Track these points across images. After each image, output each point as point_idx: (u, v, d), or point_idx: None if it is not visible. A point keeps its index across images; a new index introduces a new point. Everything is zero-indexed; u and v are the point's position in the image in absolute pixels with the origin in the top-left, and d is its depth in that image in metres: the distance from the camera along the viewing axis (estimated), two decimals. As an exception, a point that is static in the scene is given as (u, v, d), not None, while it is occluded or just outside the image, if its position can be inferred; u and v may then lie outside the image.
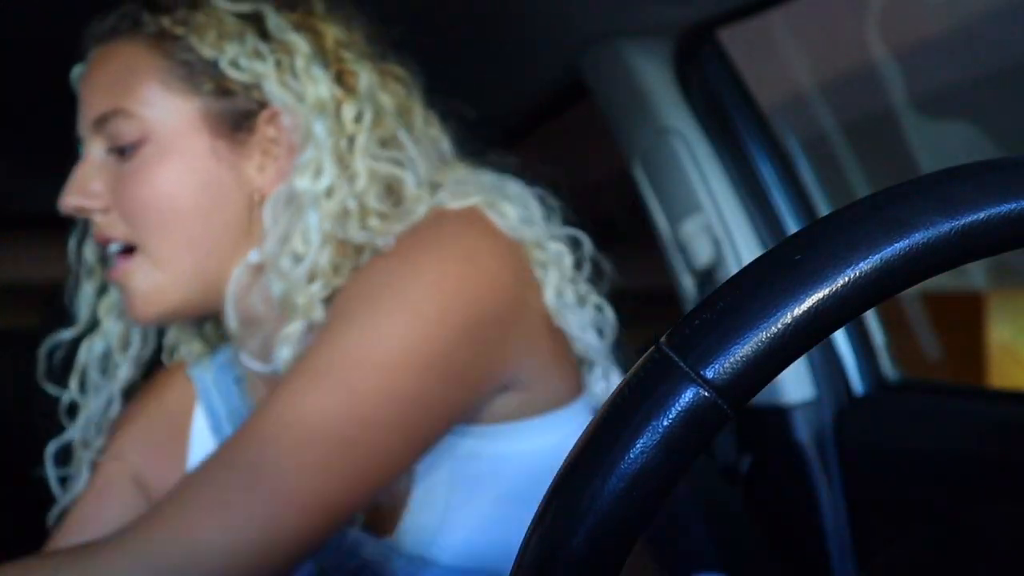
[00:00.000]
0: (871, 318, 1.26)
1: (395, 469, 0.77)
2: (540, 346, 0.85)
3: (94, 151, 0.85)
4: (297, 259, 0.82)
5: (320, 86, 0.83)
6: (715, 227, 1.25)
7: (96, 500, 0.96)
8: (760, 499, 1.24)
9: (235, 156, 0.84)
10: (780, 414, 1.20)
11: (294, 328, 0.82)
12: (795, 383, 1.20)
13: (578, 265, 0.91)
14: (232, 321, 0.86)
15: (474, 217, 0.84)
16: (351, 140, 0.84)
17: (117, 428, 1.00)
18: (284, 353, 0.82)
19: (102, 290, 0.96)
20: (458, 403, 0.79)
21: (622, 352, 1.20)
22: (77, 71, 0.90)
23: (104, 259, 0.92)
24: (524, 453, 0.84)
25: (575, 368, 0.90)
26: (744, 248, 1.24)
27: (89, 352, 0.96)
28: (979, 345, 3.08)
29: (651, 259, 1.39)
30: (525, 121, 1.62)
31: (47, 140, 1.71)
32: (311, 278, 0.82)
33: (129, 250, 0.85)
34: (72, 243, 0.95)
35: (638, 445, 0.32)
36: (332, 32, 0.87)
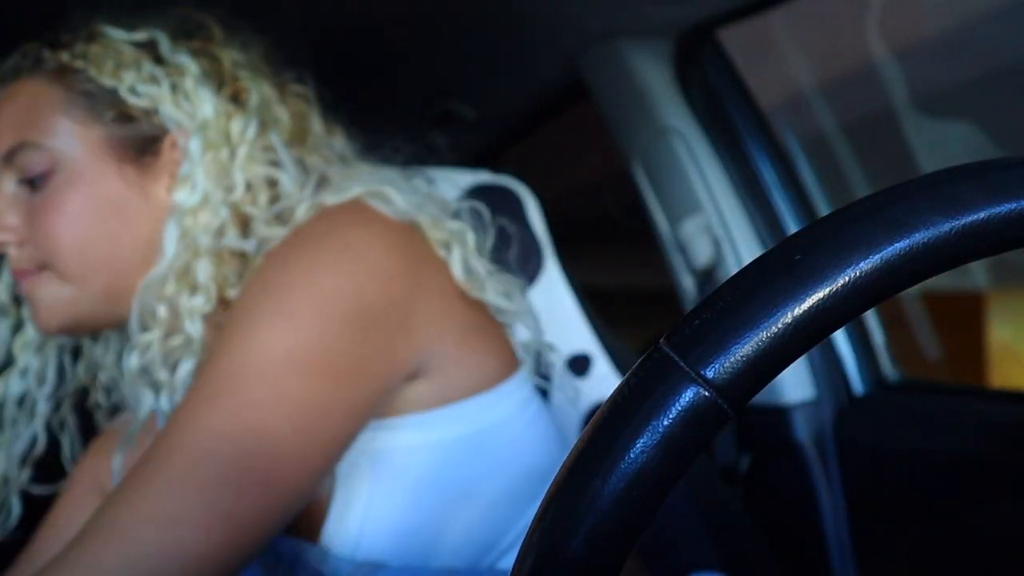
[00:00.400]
0: (871, 318, 1.26)
1: (306, 475, 0.75)
2: (451, 327, 0.84)
3: (5, 185, 0.86)
4: (178, 275, 0.84)
5: (206, 105, 0.86)
6: (715, 227, 1.25)
7: (73, 506, 0.97)
8: (760, 499, 1.24)
9: (143, 179, 0.86)
10: (780, 414, 1.20)
11: (177, 341, 0.83)
12: (795, 383, 1.20)
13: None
14: (137, 338, 0.86)
15: (356, 209, 0.84)
16: (233, 152, 0.86)
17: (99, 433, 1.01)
18: (184, 367, 0.83)
19: (17, 327, 0.96)
20: (359, 400, 0.77)
21: (623, 352, 1.20)
22: None
23: (18, 297, 0.94)
24: (447, 441, 0.83)
25: (507, 344, 0.90)
26: (744, 248, 1.24)
27: (5, 389, 0.96)
28: (979, 345, 3.08)
29: (651, 259, 1.39)
30: (525, 121, 1.62)
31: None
32: (192, 293, 0.83)
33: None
34: None
35: (638, 445, 0.32)
36: (228, 55, 0.90)
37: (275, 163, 0.88)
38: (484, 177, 1.17)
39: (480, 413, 0.84)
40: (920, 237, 0.32)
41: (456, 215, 0.91)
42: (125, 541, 0.69)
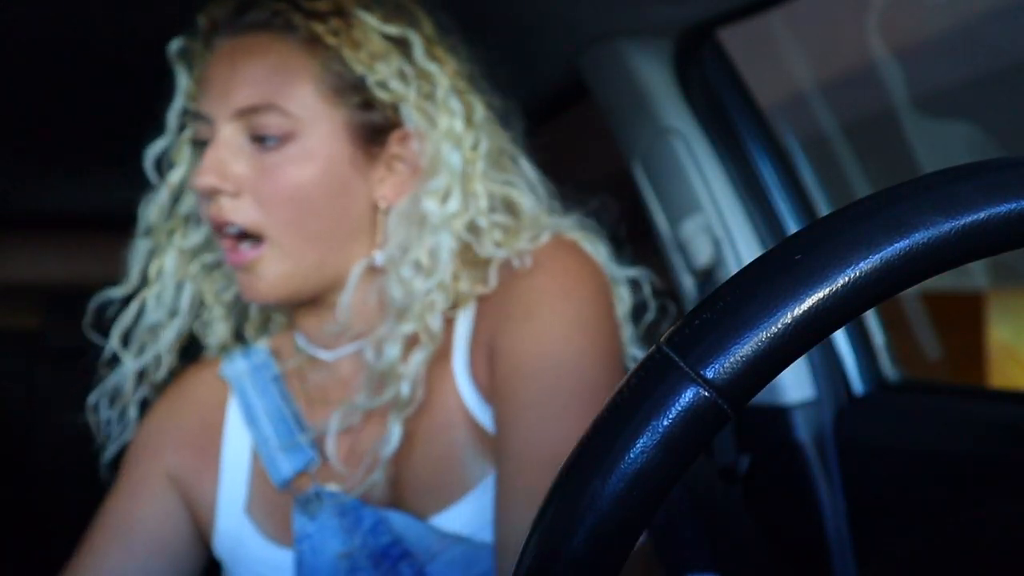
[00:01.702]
0: (871, 318, 1.26)
1: None
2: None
3: (230, 136, 0.87)
4: (419, 269, 0.89)
5: (456, 118, 0.91)
6: (715, 227, 1.25)
7: (130, 498, 0.98)
8: (759, 499, 1.24)
9: (366, 166, 0.89)
10: (780, 414, 1.20)
11: (406, 329, 0.88)
12: (795, 383, 1.20)
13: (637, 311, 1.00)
14: (345, 312, 0.90)
15: (583, 248, 0.94)
16: (472, 166, 0.91)
17: (147, 426, 1.02)
18: (392, 352, 0.88)
19: (156, 252, 1.00)
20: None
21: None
22: (176, 45, 0.94)
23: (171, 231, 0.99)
24: None
25: None
26: (744, 248, 1.24)
27: (140, 310, 1.00)
28: (979, 345, 3.08)
29: (649, 259, 1.39)
30: (525, 121, 1.62)
31: (47, 141, 1.71)
32: (436, 290, 0.89)
33: (254, 238, 0.88)
34: (153, 202, 1.00)
35: (638, 445, 0.32)
36: (454, 65, 0.94)
37: (508, 182, 0.94)
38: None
39: None
40: (920, 237, 0.32)
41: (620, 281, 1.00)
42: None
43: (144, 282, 1.00)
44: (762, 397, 1.21)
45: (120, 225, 2.27)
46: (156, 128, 1.01)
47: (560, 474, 0.34)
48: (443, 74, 0.91)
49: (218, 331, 1.02)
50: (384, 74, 0.88)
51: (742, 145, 1.27)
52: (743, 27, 1.22)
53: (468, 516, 0.88)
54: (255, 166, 0.86)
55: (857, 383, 1.22)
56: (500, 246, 0.91)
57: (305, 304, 0.94)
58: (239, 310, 1.04)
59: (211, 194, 0.87)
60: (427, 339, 0.89)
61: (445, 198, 0.89)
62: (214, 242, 0.96)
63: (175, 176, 0.97)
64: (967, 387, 1.21)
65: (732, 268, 1.25)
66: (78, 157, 1.79)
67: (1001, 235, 0.33)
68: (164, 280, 0.99)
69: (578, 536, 0.32)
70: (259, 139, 0.86)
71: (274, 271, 0.88)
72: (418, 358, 0.88)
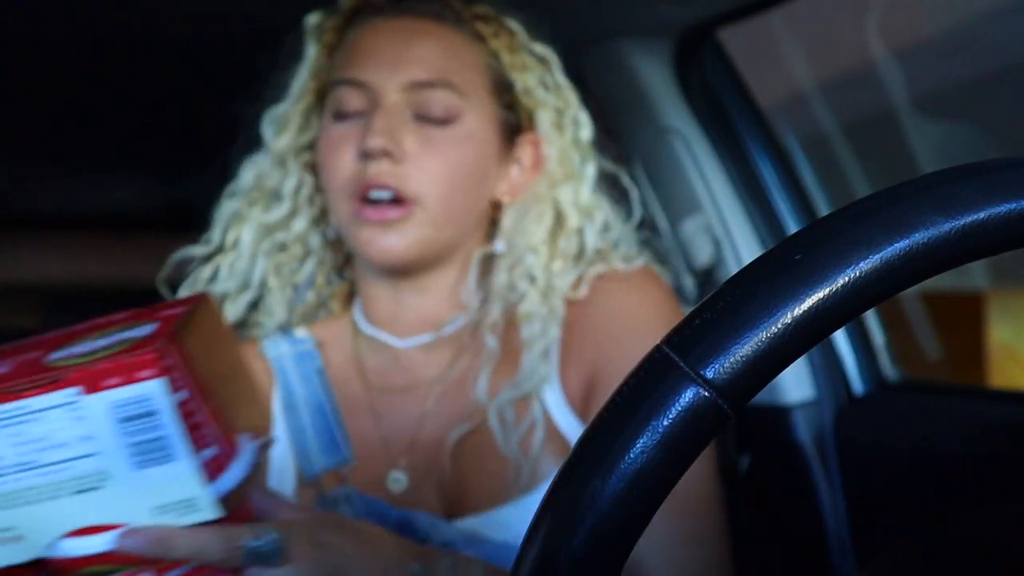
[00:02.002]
0: (871, 318, 1.26)
1: None
2: None
3: (396, 106, 0.91)
4: (530, 265, 0.95)
5: (581, 129, 0.99)
6: (715, 227, 1.25)
7: None
8: (760, 499, 1.24)
9: (499, 161, 0.96)
10: (780, 414, 1.20)
11: (538, 324, 0.93)
12: (795, 383, 1.20)
13: None
14: (473, 297, 0.96)
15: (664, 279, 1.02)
16: (585, 177, 1.00)
17: None
18: (492, 342, 0.93)
19: (236, 219, 1.01)
20: None
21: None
22: (314, 19, 0.99)
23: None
24: None
25: None
26: (744, 248, 1.24)
27: (214, 276, 1.01)
28: (979, 345, 3.08)
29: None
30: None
31: (47, 141, 1.71)
32: (543, 289, 0.95)
33: (401, 204, 0.91)
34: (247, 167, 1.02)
35: (638, 445, 0.32)
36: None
37: (605, 200, 1.01)
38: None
39: None
40: (920, 237, 0.32)
41: None
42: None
43: (222, 247, 1.02)
44: (762, 397, 1.21)
45: (120, 225, 2.27)
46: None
47: (560, 474, 0.34)
48: (572, 91, 1.00)
49: (278, 313, 1.02)
50: (530, 82, 0.97)
51: (742, 145, 1.27)
52: (743, 27, 1.22)
53: (511, 521, 0.88)
54: (419, 138, 0.91)
55: (857, 383, 1.22)
56: (602, 259, 0.97)
57: (401, 281, 0.96)
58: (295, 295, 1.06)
59: (381, 155, 0.89)
60: (550, 327, 0.93)
61: (563, 201, 0.97)
62: (288, 223, 1.01)
63: (281, 142, 1.00)
64: (967, 387, 1.21)
65: (732, 268, 1.25)
66: (78, 157, 1.79)
67: (1001, 235, 0.33)
68: (240, 249, 1.01)
69: (578, 536, 0.32)
70: (425, 114, 0.91)
71: (416, 234, 0.91)
72: (535, 352, 0.92)
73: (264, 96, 1.02)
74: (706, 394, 0.32)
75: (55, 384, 0.58)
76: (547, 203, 0.97)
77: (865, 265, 0.32)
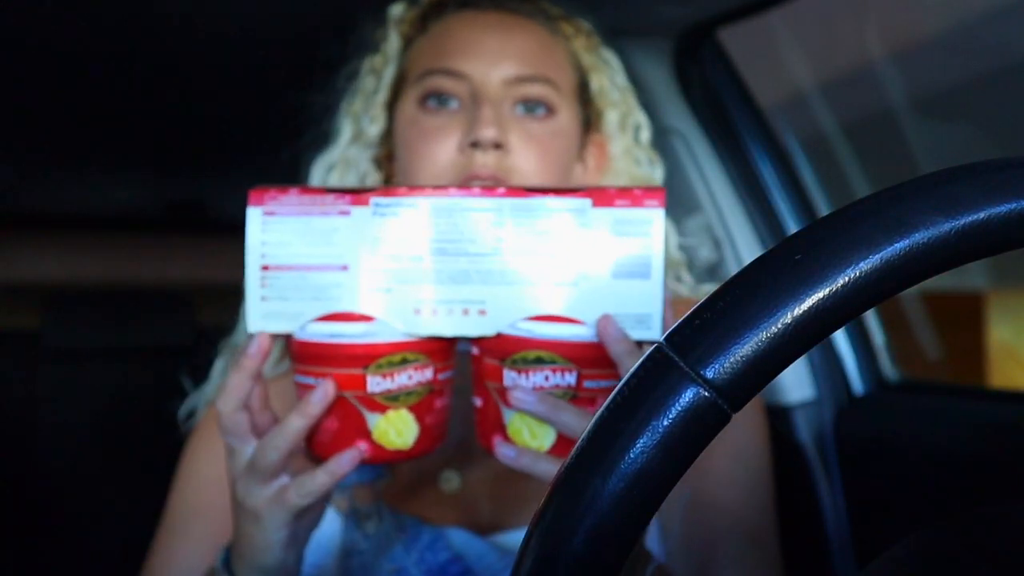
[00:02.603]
0: (871, 318, 1.26)
1: None
2: None
3: (498, 99, 0.91)
4: None
5: (645, 131, 1.02)
6: (715, 227, 1.25)
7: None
8: (760, 499, 1.24)
9: (576, 159, 0.97)
10: (780, 414, 1.20)
11: None
12: (795, 383, 1.20)
13: None
14: None
15: None
16: (646, 179, 1.02)
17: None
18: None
19: None
20: None
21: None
22: (398, 10, 1.00)
23: None
24: None
25: None
26: (744, 248, 1.24)
27: None
28: (979, 345, 3.08)
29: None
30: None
31: (46, 140, 1.71)
32: None
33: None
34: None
35: (638, 445, 0.32)
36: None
37: None
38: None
39: None
40: (920, 237, 0.32)
41: None
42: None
43: None
44: (762, 397, 1.21)
45: (120, 225, 2.26)
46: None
47: (560, 474, 0.34)
48: (633, 94, 1.02)
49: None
50: (603, 83, 0.99)
51: (742, 145, 1.27)
52: (743, 27, 1.22)
53: None
54: (522, 132, 0.91)
55: (857, 383, 1.22)
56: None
57: None
58: None
59: (491, 146, 0.89)
60: None
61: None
62: None
63: (372, 130, 0.99)
64: (967, 387, 1.21)
65: (732, 268, 1.25)
66: (78, 157, 1.79)
67: (1001, 235, 0.33)
68: None
69: (578, 536, 0.32)
70: (527, 107, 0.92)
71: None
72: None
73: (322, 89, 1.01)
74: (706, 394, 0.32)
75: (572, 192, 0.70)
76: None
77: (865, 265, 0.32)
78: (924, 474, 1.07)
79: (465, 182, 0.89)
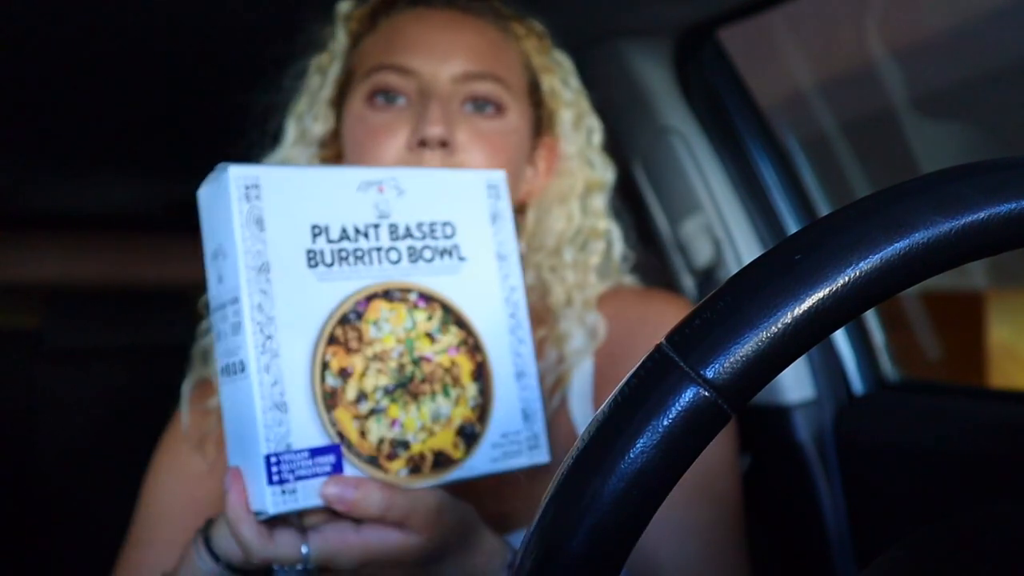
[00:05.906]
0: (871, 318, 1.26)
1: None
2: None
3: (446, 96, 0.90)
4: (551, 269, 0.96)
5: (594, 134, 1.01)
6: (715, 227, 1.25)
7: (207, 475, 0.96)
8: (760, 499, 1.24)
9: (526, 161, 0.96)
10: (780, 414, 1.20)
11: (562, 327, 0.94)
12: (795, 383, 1.20)
13: None
14: None
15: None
16: (600, 184, 1.00)
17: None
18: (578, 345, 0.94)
19: None
20: None
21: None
22: (345, 7, 0.99)
23: None
24: None
25: None
26: (744, 248, 1.24)
27: None
28: (979, 345, 3.08)
29: (649, 259, 1.39)
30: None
31: (47, 141, 1.71)
32: (584, 291, 0.96)
33: None
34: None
35: (638, 445, 0.32)
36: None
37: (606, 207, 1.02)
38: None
39: None
40: (920, 237, 0.32)
41: None
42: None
43: None
44: (762, 397, 1.21)
45: (120, 225, 2.26)
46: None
47: (560, 473, 0.34)
48: (585, 96, 1.01)
49: None
50: (555, 84, 0.98)
51: (742, 145, 1.27)
52: (743, 27, 1.22)
53: None
54: (470, 128, 0.89)
55: (857, 383, 1.22)
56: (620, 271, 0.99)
57: None
58: None
59: (438, 145, 0.87)
60: (560, 340, 0.93)
61: (575, 207, 0.98)
62: None
63: (317, 129, 0.98)
64: (967, 387, 1.21)
65: (732, 268, 1.25)
66: (77, 157, 1.79)
67: (1001, 235, 0.33)
68: None
69: (578, 536, 0.32)
70: (476, 105, 0.91)
71: None
72: (578, 346, 0.93)
73: (268, 88, 1.00)
74: (706, 394, 0.32)
75: None
76: (573, 204, 0.97)
77: (865, 265, 0.32)
78: (924, 474, 1.07)
79: None
